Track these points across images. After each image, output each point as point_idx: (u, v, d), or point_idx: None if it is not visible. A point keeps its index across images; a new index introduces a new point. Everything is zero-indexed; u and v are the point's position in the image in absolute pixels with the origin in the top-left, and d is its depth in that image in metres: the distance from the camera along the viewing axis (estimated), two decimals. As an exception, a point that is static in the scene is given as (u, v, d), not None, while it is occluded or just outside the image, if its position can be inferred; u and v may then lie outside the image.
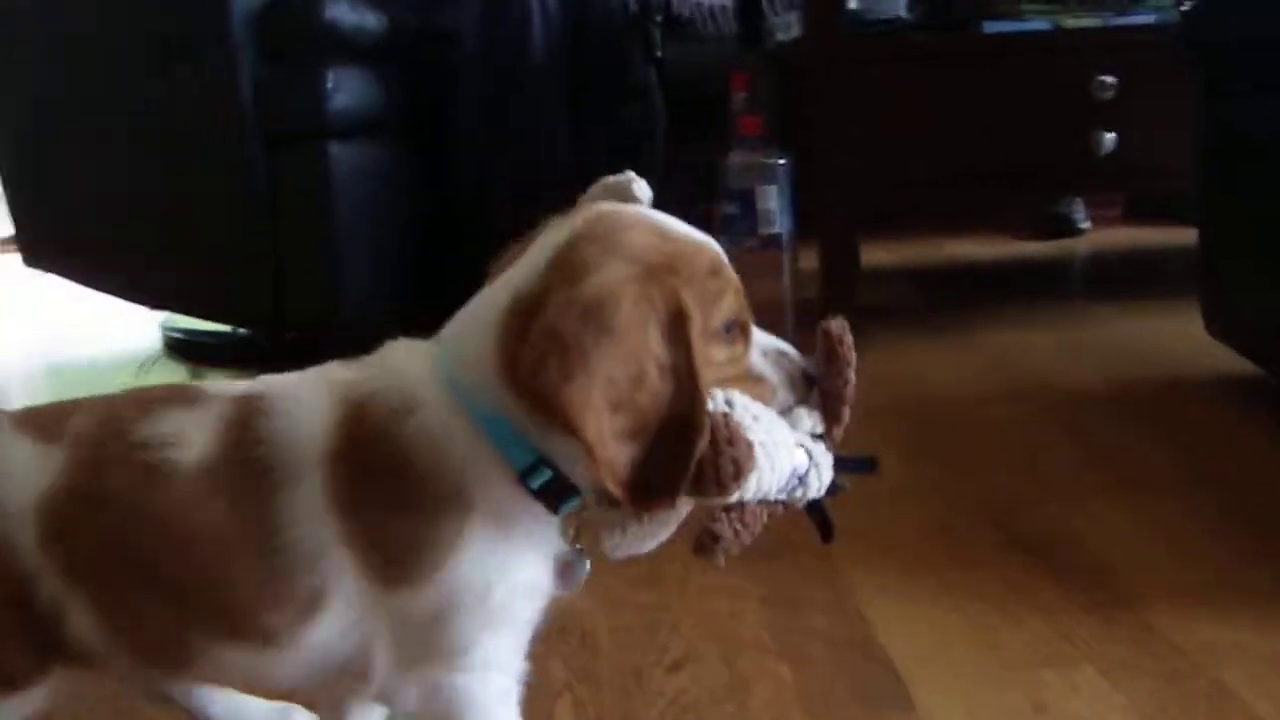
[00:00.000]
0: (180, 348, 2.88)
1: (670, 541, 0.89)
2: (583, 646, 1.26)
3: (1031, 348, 2.41)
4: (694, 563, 1.35)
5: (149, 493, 0.84)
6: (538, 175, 2.55)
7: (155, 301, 2.82)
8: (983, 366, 2.29)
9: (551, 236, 0.84)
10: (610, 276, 0.78)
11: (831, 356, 0.91)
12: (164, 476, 0.84)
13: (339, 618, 0.83)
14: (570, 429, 0.75)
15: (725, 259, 0.85)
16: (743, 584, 1.40)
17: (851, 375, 0.91)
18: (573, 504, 0.84)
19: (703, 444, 0.79)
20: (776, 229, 2.38)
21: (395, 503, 0.82)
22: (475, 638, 0.84)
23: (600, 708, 1.17)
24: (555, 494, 0.82)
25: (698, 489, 0.82)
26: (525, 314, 0.79)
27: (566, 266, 0.79)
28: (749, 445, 0.82)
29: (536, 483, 0.81)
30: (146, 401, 0.89)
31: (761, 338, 0.89)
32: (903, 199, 2.47)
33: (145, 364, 2.77)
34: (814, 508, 0.93)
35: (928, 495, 1.65)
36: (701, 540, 0.86)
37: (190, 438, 0.85)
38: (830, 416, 0.91)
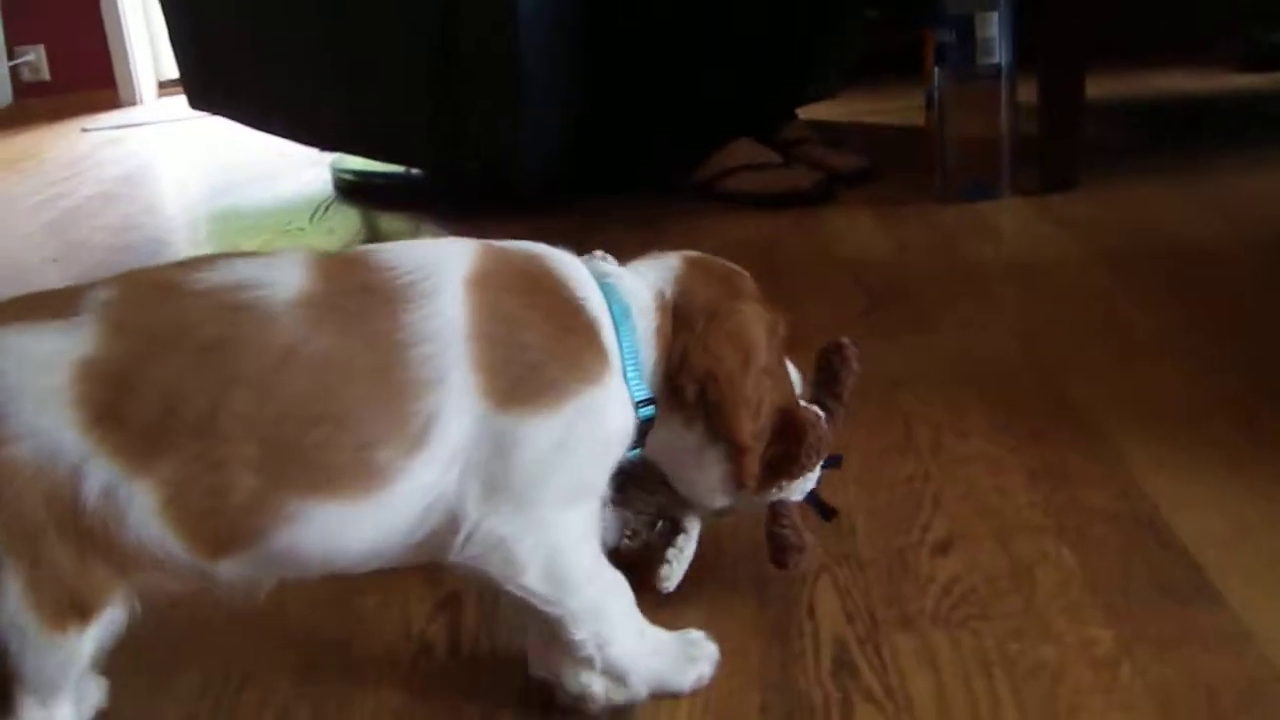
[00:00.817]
0: (351, 190, 2.79)
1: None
2: (837, 525, 1.15)
3: (1272, 193, 2.17)
4: (945, 425, 1.22)
5: (241, 330, 0.78)
6: (727, 38, 2.38)
7: (326, 142, 2.73)
8: (1223, 212, 2.06)
9: (651, 268, 0.96)
10: (735, 307, 0.93)
11: (849, 369, 1.08)
12: (254, 311, 0.78)
13: (444, 449, 0.80)
14: (732, 432, 0.92)
15: None
16: (1003, 455, 1.27)
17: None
18: (634, 454, 0.93)
19: (813, 433, 0.97)
20: (996, 59, 2.16)
21: (544, 331, 0.84)
22: (588, 475, 0.87)
23: (865, 594, 1.05)
24: (637, 437, 0.91)
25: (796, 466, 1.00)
26: (676, 319, 0.92)
27: (689, 293, 0.94)
28: (825, 425, 1.02)
29: (644, 414, 0.91)
30: (179, 265, 0.83)
31: None
32: (1135, 26, 2.22)
33: (320, 208, 2.70)
34: (811, 497, 1.07)
35: (1195, 359, 1.48)
36: (785, 552, 1.03)
37: (274, 278, 0.80)
38: (832, 419, 1.06)
